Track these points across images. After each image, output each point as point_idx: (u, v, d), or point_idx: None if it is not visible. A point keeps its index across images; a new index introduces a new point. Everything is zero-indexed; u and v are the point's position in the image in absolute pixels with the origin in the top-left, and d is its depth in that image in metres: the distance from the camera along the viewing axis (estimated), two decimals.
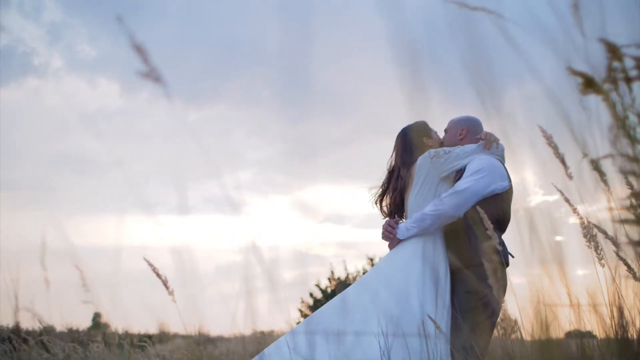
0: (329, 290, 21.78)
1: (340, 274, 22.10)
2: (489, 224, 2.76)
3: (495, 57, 1.75)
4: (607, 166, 2.13)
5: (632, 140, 1.58)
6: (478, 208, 2.94)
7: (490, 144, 3.51)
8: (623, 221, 1.64)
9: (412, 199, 3.62)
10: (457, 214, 3.40)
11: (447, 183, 3.59)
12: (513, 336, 2.98)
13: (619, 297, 1.93)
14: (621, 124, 1.58)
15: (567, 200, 2.31)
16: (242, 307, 2.42)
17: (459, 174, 3.57)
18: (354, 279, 21.87)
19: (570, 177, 2.04)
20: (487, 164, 3.45)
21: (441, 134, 3.93)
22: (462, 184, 3.42)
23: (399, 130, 3.90)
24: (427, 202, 3.51)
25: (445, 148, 3.63)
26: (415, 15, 1.75)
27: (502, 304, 3.06)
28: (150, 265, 2.62)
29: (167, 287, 2.63)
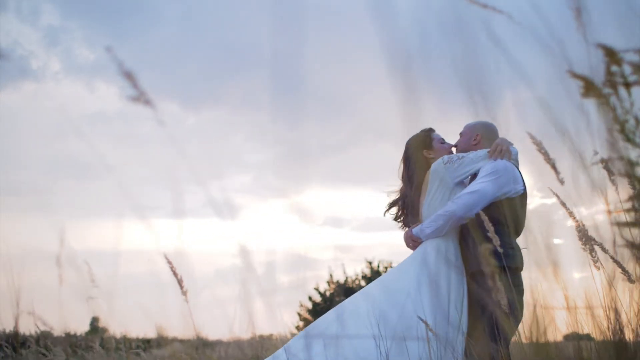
0: (327, 293, 21.77)
1: (339, 277, 22.08)
2: (490, 227, 2.76)
3: (489, 61, 1.76)
4: (605, 169, 2.14)
5: (632, 143, 1.59)
6: (480, 211, 2.96)
7: (497, 155, 3.51)
8: (620, 224, 1.64)
9: (426, 204, 3.65)
10: (468, 214, 3.40)
11: (462, 188, 3.60)
12: (513, 339, 2.99)
13: (614, 299, 1.93)
14: (621, 127, 1.58)
15: (563, 204, 2.32)
16: (240, 311, 2.42)
17: (473, 178, 3.59)
18: (353, 282, 21.88)
19: (562, 182, 2.05)
20: (501, 167, 3.46)
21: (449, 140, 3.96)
22: (474, 185, 3.43)
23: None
24: (441, 207, 3.54)
25: (458, 154, 3.66)
26: (408, 17, 1.76)
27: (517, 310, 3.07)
28: (169, 262, 2.63)
29: (181, 287, 2.64)
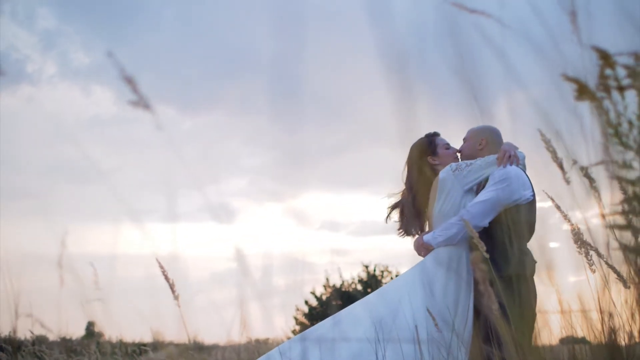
0: (324, 297, 21.76)
1: (336, 281, 22.07)
2: (475, 234, 2.77)
3: (484, 63, 1.77)
4: (599, 172, 2.15)
5: (625, 146, 1.60)
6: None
7: (506, 161, 3.51)
8: (614, 227, 1.65)
9: (436, 211, 3.65)
10: (481, 223, 3.41)
11: (471, 195, 3.60)
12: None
13: (608, 302, 1.94)
14: (614, 131, 1.60)
15: (558, 207, 2.33)
16: (236, 316, 2.42)
17: (482, 184, 3.59)
18: (350, 286, 21.87)
19: (567, 181, 2.06)
20: (512, 174, 3.46)
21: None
22: (486, 193, 3.45)
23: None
24: (451, 215, 3.53)
25: (467, 161, 3.66)
26: (404, 19, 1.76)
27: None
28: (161, 267, 2.63)
29: (173, 292, 2.64)
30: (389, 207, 3.95)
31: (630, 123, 1.59)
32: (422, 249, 3.69)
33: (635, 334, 1.80)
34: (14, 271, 2.57)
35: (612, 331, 1.86)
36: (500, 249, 3.15)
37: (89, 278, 2.55)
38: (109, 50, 1.47)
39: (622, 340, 1.87)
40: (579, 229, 2.32)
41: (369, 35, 1.68)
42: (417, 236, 3.82)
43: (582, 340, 2.13)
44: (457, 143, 3.99)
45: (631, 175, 1.57)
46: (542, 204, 3.55)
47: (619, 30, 1.62)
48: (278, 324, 2.45)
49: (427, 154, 3.82)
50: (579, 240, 2.28)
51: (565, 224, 2.39)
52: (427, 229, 3.84)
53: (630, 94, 1.58)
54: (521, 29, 1.73)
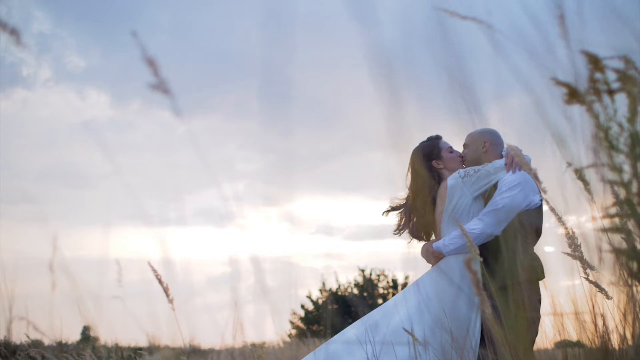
0: (320, 301, 21.75)
1: (332, 285, 22.08)
2: (474, 245, 2.77)
3: (475, 67, 1.78)
4: (592, 175, 2.16)
5: (615, 150, 1.61)
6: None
7: (514, 167, 3.49)
8: (606, 230, 1.66)
9: (445, 218, 3.61)
10: (496, 231, 3.39)
11: (480, 201, 3.59)
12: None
13: (597, 306, 1.95)
14: (604, 134, 1.61)
15: (553, 210, 2.34)
16: (231, 319, 2.43)
17: (488, 190, 3.58)
18: (345, 290, 21.84)
19: (544, 191, 2.07)
20: (523, 179, 3.44)
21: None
22: (499, 200, 3.42)
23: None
24: (461, 221, 3.50)
25: (474, 167, 3.61)
26: (394, 24, 1.77)
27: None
28: (154, 271, 2.63)
29: (167, 295, 2.64)
30: (390, 207, 3.90)
31: (620, 126, 1.60)
32: (432, 256, 3.65)
33: (628, 336, 1.81)
34: (9, 275, 2.57)
35: (605, 334, 1.87)
36: (509, 255, 3.15)
37: (81, 282, 2.55)
38: (133, 31, 1.46)
39: (615, 342, 1.88)
40: (574, 232, 2.33)
41: (360, 40, 1.69)
42: (424, 243, 3.79)
43: (577, 344, 2.14)
44: (453, 147, 3.97)
45: (622, 178, 1.58)
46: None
47: (609, 32, 1.63)
48: (273, 327, 2.45)
49: (431, 158, 3.77)
50: (573, 244, 2.29)
51: (560, 227, 2.40)
52: (433, 235, 3.81)
53: (620, 97, 1.59)
54: (512, 33, 1.74)
